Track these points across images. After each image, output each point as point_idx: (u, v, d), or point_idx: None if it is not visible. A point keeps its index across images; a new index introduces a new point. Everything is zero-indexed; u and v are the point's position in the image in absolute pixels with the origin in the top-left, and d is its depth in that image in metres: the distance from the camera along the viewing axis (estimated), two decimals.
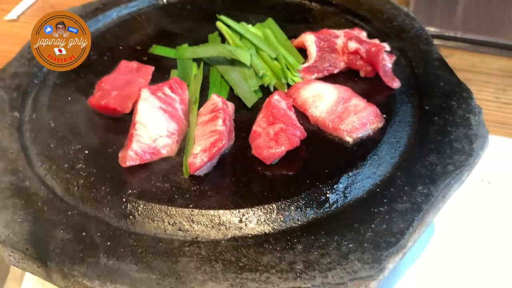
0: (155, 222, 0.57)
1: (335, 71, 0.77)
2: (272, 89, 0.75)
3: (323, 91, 0.71)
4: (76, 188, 0.61)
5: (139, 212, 0.58)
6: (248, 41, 0.83)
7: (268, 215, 0.57)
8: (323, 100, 0.69)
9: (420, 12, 1.21)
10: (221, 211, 0.57)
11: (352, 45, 0.76)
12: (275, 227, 0.57)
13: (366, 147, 0.65)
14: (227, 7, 0.93)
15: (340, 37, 0.80)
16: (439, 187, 0.60)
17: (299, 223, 0.57)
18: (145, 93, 0.68)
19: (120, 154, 0.64)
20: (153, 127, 0.65)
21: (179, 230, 0.57)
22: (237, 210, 0.57)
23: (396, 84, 0.74)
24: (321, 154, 0.65)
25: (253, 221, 0.57)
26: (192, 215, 0.57)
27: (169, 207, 0.58)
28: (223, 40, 0.85)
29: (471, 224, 0.79)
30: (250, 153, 0.64)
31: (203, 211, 0.57)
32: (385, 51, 0.75)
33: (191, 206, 0.58)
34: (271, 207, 0.58)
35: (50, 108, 0.73)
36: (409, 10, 1.17)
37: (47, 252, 0.54)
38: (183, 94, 0.71)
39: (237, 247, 0.54)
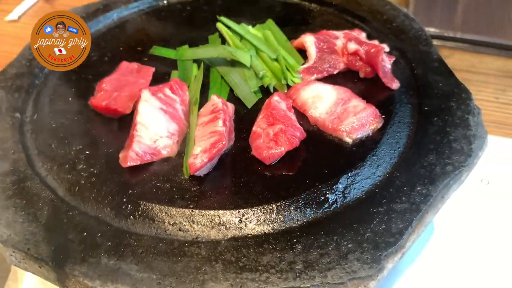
0: (156, 222, 0.58)
1: (335, 72, 0.78)
2: (272, 90, 0.75)
3: (322, 92, 0.71)
4: (77, 188, 0.62)
5: (140, 213, 0.58)
6: (248, 42, 0.83)
7: (268, 215, 0.58)
8: (323, 101, 0.70)
9: (420, 12, 1.21)
10: (221, 211, 0.58)
11: (352, 46, 0.76)
12: (274, 227, 0.57)
13: (365, 148, 0.65)
14: (227, 8, 0.94)
15: (339, 38, 0.80)
16: (438, 187, 0.60)
17: (298, 223, 0.57)
18: (146, 94, 0.68)
19: (120, 155, 0.65)
20: (154, 128, 0.65)
21: (180, 230, 0.57)
22: (237, 211, 0.58)
23: (395, 85, 0.74)
24: (321, 155, 0.65)
25: (253, 221, 0.57)
26: (192, 216, 0.58)
27: (170, 208, 0.58)
28: (223, 41, 0.86)
29: (471, 224, 0.79)
30: (250, 153, 0.64)
31: (203, 211, 0.58)
32: (385, 52, 0.75)
33: (191, 206, 0.58)
34: (271, 207, 0.58)
35: (51, 109, 0.73)
36: (409, 10, 1.17)
37: (48, 252, 0.55)
38: (184, 95, 0.72)
39: (237, 247, 0.55)
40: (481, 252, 0.75)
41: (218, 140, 0.62)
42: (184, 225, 0.57)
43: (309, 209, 0.58)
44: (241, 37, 0.84)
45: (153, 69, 0.79)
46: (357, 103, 0.69)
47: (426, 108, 0.71)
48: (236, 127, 0.69)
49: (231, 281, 0.51)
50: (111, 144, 0.67)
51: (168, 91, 0.70)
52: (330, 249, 0.54)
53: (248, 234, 0.56)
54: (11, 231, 0.57)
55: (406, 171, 0.62)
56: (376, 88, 0.74)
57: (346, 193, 0.60)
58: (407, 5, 1.25)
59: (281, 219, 0.57)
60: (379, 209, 0.58)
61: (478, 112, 0.70)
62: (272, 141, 0.63)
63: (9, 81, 0.78)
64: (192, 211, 0.58)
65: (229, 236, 0.56)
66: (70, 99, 0.75)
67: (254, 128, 0.66)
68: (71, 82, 0.78)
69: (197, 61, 0.81)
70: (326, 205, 0.59)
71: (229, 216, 0.57)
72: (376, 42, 0.79)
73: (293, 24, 0.90)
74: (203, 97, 0.73)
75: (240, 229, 0.57)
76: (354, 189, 0.60)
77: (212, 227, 0.57)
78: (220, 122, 0.64)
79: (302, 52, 0.81)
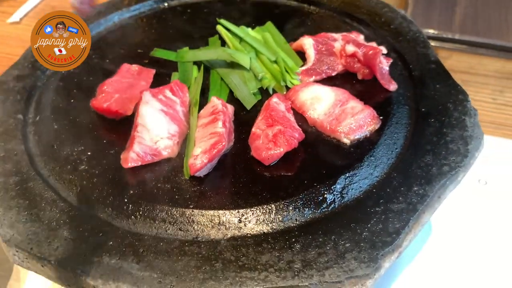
0: (156, 222, 0.58)
1: (333, 74, 0.78)
2: (271, 92, 0.76)
3: (321, 93, 0.72)
4: (79, 189, 0.62)
5: (141, 213, 0.59)
6: (248, 45, 0.83)
7: (267, 215, 0.58)
8: (321, 102, 0.70)
9: (418, 14, 1.21)
10: (221, 211, 0.58)
11: (350, 48, 0.77)
12: (273, 227, 0.58)
13: (363, 149, 0.65)
14: (227, 10, 0.94)
15: (338, 40, 0.81)
16: (435, 187, 0.60)
17: (297, 223, 0.58)
18: (147, 96, 0.69)
19: (122, 156, 0.65)
20: (155, 129, 0.66)
21: (180, 230, 0.58)
22: (237, 210, 0.58)
23: (393, 86, 0.75)
24: (319, 156, 0.66)
25: (252, 221, 0.58)
26: (192, 215, 0.58)
27: (170, 208, 0.59)
28: (223, 43, 0.86)
29: (468, 224, 0.79)
30: (249, 154, 0.65)
31: (203, 211, 0.58)
32: (382, 54, 0.76)
33: (191, 206, 0.59)
34: (270, 207, 0.59)
35: (53, 111, 0.74)
36: (408, 12, 1.18)
37: (51, 251, 0.55)
38: (184, 96, 0.72)
39: (236, 246, 0.55)
40: (479, 252, 0.76)
41: (218, 141, 0.62)
42: (184, 224, 0.58)
43: (307, 209, 0.59)
44: (241, 40, 0.85)
45: (153, 71, 0.80)
46: (355, 104, 0.69)
47: (423, 109, 0.71)
48: (236, 128, 0.69)
49: (231, 279, 0.52)
50: (113, 145, 0.68)
51: (168, 93, 0.71)
52: (328, 248, 0.54)
53: (247, 233, 0.57)
54: (14, 231, 0.58)
55: (403, 171, 0.63)
56: (374, 90, 0.75)
57: (344, 193, 0.60)
58: (406, 6, 1.25)
59: (280, 219, 0.58)
60: (377, 209, 0.58)
61: (475, 113, 0.70)
62: (271, 142, 0.63)
63: (12, 83, 0.78)
64: (192, 211, 0.58)
65: (228, 236, 0.57)
66: (72, 101, 0.75)
67: (253, 129, 0.67)
68: (73, 84, 0.78)
69: (197, 63, 0.81)
70: (324, 205, 0.59)
71: (229, 216, 0.58)
72: (374, 44, 0.80)
73: (292, 26, 0.90)
74: (203, 99, 0.74)
75: (240, 229, 0.57)
76: (352, 189, 0.61)
77: (212, 227, 0.58)
78: (220, 123, 0.65)
79: (301, 54, 0.82)
